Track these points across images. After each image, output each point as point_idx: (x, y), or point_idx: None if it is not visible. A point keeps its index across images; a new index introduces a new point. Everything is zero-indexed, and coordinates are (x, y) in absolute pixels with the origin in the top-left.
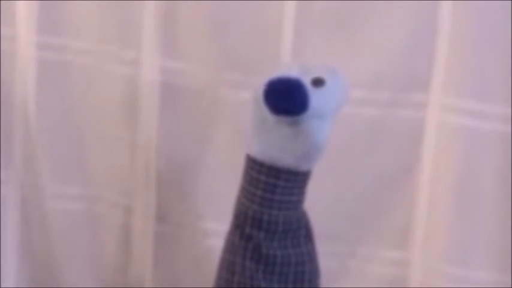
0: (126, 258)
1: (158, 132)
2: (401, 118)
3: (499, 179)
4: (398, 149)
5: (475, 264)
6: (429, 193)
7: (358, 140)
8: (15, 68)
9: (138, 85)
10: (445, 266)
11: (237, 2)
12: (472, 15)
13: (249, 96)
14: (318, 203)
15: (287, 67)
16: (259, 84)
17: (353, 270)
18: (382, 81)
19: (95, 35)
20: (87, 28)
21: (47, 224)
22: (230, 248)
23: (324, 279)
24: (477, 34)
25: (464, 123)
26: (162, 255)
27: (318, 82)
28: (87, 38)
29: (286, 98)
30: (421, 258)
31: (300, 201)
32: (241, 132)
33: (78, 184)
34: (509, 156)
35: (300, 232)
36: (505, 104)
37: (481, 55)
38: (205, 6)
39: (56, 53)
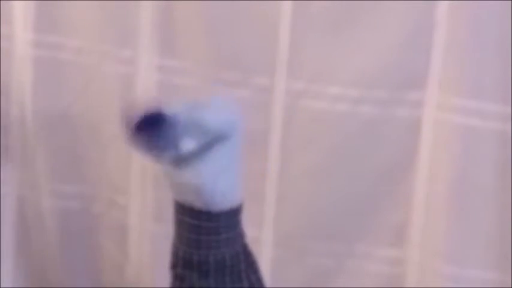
0: (123, 257)
1: None
2: (398, 117)
3: (496, 178)
4: (395, 147)
5: (472, 263)
6: (426, 192)
7: (355, 138)
8: (11, 66)
9: (135, 84)
10: (442, 264)
11: (234, 1)
12: (468, 14)
13: (246, 95)
14: (314, 201)
15: None
16: None
17: (350, 269)
18: (379, 80)
19: (92, 34)
20: (84, 27)
21: (43, 223)
22: (171, 286)
23: (321, 278)
24: (474, 32)
25: (461, 122)
26: (159, 254)
27: (194, 107)
28: (84, 36)
29: (142, 116)
30: (418, 257)
31: (231, 238)
32: None
33: (74, 183)
34: (507, 154)
35: (240, 267)
36: (502, 102)
37: (478, 53)
38: (202, 5)
39: (53, 51)
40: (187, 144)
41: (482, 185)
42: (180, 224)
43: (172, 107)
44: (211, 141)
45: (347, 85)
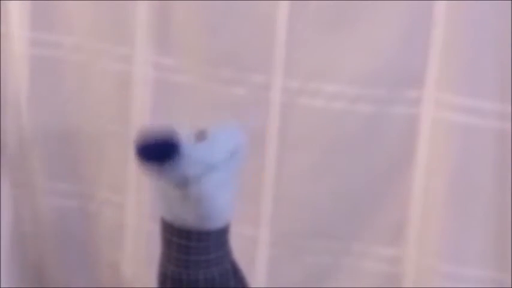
0: (119, 256)
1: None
2: (396, 114)
3: (493, 176)
4: (392, 145)
5: (469, 262)
6: (424, 190)
7: (353, 136)
8: (8, 64)
9: (131, 81)
10: (439, 263)
11: (231, 0)
12: (466, 13)
13: (242, 92)
14: (311, 200)
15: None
16: None
17: (347, 268)
18: (376, 78)
19: (88, 32)
20: (80, 25)
21: (39, 222)
22: None
23: (318, 277)
24: (471, 31)
25: (458, 120)
26: (155, 253)
27: (200, 135)
28: (80, 34)
29: (155, 149)
30: (415, 255)
31: (220, 257)
32: None
33: (70, 181)
34: (504, 152)
35: (229, 284)
36: (499, 100)
37: (476, 52)
38: (198, 3)
39: (49, 49)
40: (195, 170)
41: (480, 183)
42: (168, 244)
43: (183, 137)
44: (217, 164)
45: (344, 83)
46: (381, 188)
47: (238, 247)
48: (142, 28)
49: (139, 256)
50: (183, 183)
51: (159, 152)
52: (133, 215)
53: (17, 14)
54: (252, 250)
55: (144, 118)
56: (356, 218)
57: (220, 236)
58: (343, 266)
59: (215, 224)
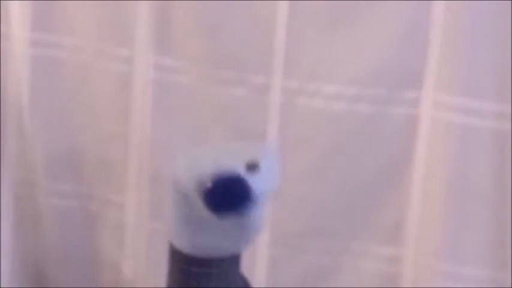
0: (120, 256)
1: (152, 130)
2: (395, 115)
3: (492, 176)
4: (391, 146)
5: (467, 261)
6: (422, 190)
7: (351, 137)
8: (8, 65)
9: (132, 82)
10: (438, 262)
11: (231, 1)
12: (464, 13)
13: (242, 93)
14: (311, 199)
15: (216, 155)
16: (185, 175)
17: (346, 267)
18: (375, 79)
19: (89, 33)
20: (81, 25)
21: (40, 221)
22: None
23: (317, 276)
24: (470, 32)
25: (457, 120)
26: (156, 253)
27: (252, 167)
28: (81, 35)
29: (230, 198)
30: (414, 255)
31: (235, 277)
32: (234, 128)
33: (71, 181)
34: (502, 152)
35: None
36: (498, 101)
37: (474, 52)
38: (199, 4)
39: (50, 50)
40: (254, 211)
41: (478, 183)
42: (185, 274)
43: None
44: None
45: (343, 84)
46: (379, 188)
47: None
48: (143, 29)
49: (140, 256)
50: (236, 217)
51: (232, 200)
52: (134, 215)
53: (18, 15)
54: (252, 250)
55: (144, 118)
56: (355, 217)
57: (238, 259)
58: (343, 265)
59: (246, 247)
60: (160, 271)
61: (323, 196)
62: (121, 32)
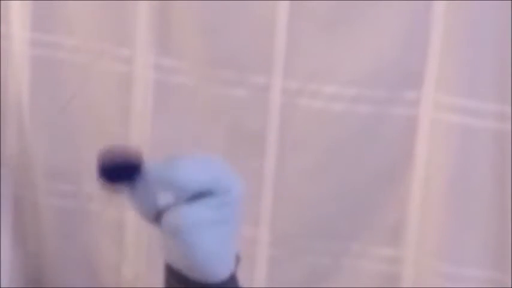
0: (120, 257)
1: (152, 130)
2: (395, 116)
3: (492, 177)
4: (391, 146)
5: (468, 262)
6: (423, 190)
7: (351, 138)
8: (8, 65)
9: (132, 83)
10: (439, 263)
11: (231, 1)
12: (465, 13)
13: (242, 94)
14: (311, 200)
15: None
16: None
17: (346, 268)
18: (375, 79)
19: (89, 33)
20: (81, 26)
21: (40, 221)
22: None
23: (317, 277)
24: (470, 32)
25: (457, 121)
26: (156, 254)
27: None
28: (81, 35)
29: (116, 163)
30: (415, 256)
31: None
32: (235, 129)
33: (71, 181)
34: (503, 153)
35: None
36: (499, 101)
37: (475, 53)
38: (199, 4)
39: (50, 50)
40: (164, 199)
41: (479, 183)
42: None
43: (149, 162)
44: (192, 197)
45: (343, 84)
46: (380, 189)
47: (238, 247)
48: (143, 29)
49: (140, 257)
50: (157, 215)
51: (121, 171)
52: (134, 215)
53: (18, 15)
54: (252, 250)
55: (144, 119)
56: (355, 218)
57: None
58: (343, 266)
59: (207, 274)
60: (160, 272)
61: (323, 196)
62: (121, 32)
